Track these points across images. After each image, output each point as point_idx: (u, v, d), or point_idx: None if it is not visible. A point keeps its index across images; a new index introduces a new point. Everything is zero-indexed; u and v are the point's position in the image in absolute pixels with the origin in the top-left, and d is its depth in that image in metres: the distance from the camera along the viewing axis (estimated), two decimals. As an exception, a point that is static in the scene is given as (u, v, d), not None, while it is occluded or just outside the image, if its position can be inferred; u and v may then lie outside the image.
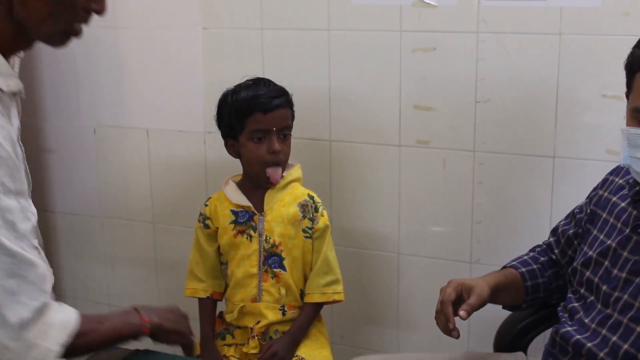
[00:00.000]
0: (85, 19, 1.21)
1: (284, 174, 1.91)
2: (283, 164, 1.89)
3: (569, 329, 1.45)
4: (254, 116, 1.83)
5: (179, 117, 2.38)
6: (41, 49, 2.27)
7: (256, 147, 1.85)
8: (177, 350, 1.45)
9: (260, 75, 1.94)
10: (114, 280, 2.65)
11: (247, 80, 1.90)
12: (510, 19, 1.93)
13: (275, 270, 1.90)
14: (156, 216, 2.51)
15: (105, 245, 2.63)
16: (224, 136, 1.92)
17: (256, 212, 1.90)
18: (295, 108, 1.92)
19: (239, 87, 1.88)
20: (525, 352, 1.71)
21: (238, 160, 1.93)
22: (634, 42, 1.36)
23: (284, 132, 1.87)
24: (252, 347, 1.90)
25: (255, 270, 1.90)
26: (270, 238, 1.89)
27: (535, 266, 1.66)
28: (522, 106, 1.98)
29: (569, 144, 1.96)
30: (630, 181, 1.44)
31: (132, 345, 1.39)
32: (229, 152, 1.93)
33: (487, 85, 1.99)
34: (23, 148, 1.23)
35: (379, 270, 2.25)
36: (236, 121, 1.86)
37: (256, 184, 1.92)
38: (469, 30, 1.98)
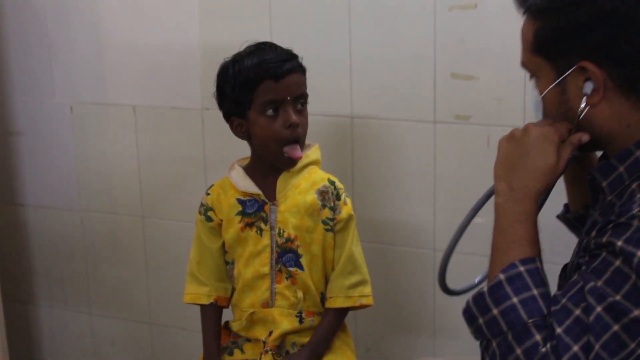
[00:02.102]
0: None
1: (300, 154, 1.85)
2: (302, 141, 1.77)
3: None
4: (264, 85, 1.71)
5: (172, 91, 2.29)
6: (7, 16, 2.34)
7: (270, 122, 1.72)
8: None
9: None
10: (97, 283, 2.57)
11: (248, 47, 1.78)
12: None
13: (290, 269, 1.79)
14: (146, 209, 2.44)
15: (85, 243, 2.56)
16: (227, 116, 1.80)
17: (267, 201, 1.79)
18: (309, 79, 1.80)
19: (239, 56, 1.76)
20: None
21: (244, 141, 1.82)
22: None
23: (300, 100, 1.76)
24: (266, 364, 1.82)
25: (266, 269, 1.80)
26: (284, 231, 1.78)
27: None
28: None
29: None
30: None
31: None
32: (236, 134, 1.81)
33: (538, 48, 1.87)
34: None
35: (411, 270, 2.16)
36: (242, 94, 1.73)
37: (267, 168, 1.80)
38: (517, -19, 1.88)
